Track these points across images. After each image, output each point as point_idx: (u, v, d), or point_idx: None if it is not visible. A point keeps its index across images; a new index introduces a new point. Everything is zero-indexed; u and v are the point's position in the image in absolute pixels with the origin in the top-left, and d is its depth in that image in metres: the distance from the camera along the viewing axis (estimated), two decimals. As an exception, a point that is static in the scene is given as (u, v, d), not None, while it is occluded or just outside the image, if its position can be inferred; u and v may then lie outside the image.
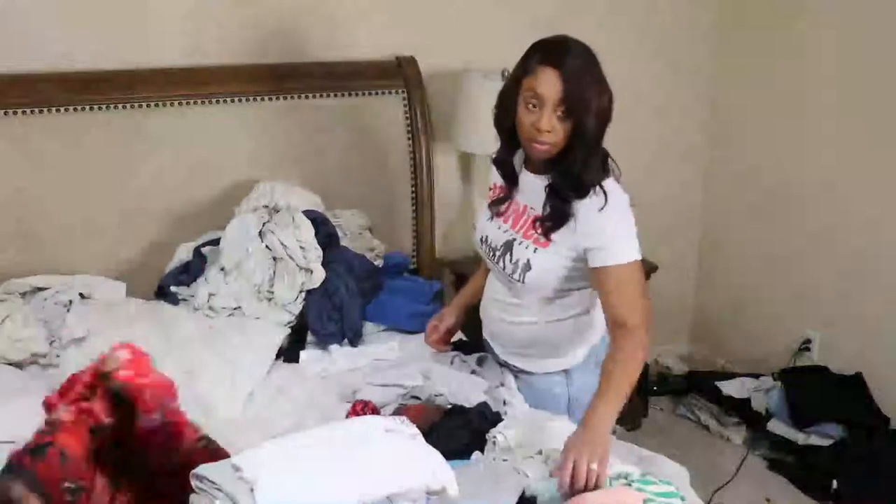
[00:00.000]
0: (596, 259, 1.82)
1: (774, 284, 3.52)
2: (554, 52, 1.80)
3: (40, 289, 2.41)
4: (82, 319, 2.31)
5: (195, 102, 2.72)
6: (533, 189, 1.93)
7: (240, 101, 2.78)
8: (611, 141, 1.92)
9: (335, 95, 2.91)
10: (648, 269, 3.27)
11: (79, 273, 2.54)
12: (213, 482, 1.46)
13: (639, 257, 1.84)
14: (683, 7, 3.51)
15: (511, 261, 1.94)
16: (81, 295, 2.45)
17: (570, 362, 2.03)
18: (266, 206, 2.63)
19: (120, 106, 2.63)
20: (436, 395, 2.00)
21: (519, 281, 1.93)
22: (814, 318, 3.36)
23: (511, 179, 2.01)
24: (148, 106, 2.67)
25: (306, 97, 2.87)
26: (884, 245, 3.07)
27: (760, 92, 3.45)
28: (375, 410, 1.98)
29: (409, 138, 3.00)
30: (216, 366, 2.20)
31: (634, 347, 1.77)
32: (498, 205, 2.03)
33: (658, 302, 3.52)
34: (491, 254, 2.02)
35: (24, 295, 2.39)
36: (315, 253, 2.51)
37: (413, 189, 3.04)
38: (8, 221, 2.54)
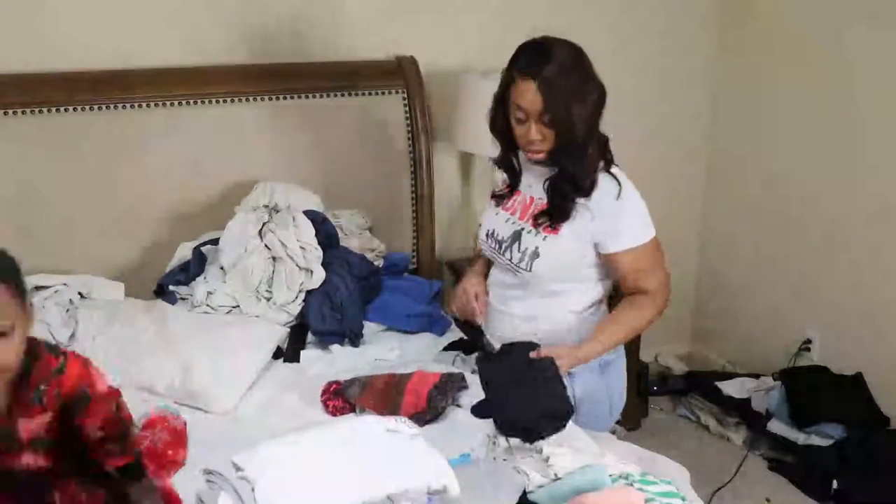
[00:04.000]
0: (613, 244, 1.88)
1: (774, 284, 3.52)
2: (532, 60, 1.81)
3: (39, 288, 2.41)
4: (88, 327, 2.31)
5: (195, 102, 2.72)
6: (538, 179, 1.97)
7: (240, 100, 2.78)
8: (615, 141, 1.93)
9: (335, 95, 2.90)
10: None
11: (78, 273, 2.54)
12: (222, 475, 1.49)
13: (654, 234, 1.92)
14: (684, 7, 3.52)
15: (519, 249, 1.96)
16: (81, 294, 2.45)
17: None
18: (266, 206, 2.63)
19: (120, 106, 2.63)
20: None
21: (526, 269, 1.95)
22: (814, 318, 3.36)
23: (515, 175, 2.04)
24: (148, 106, 2.67)
25: (306, 97, 2.87)
26: (884, 245, 3.07)
27: (761, 92, 3.45)
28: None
29: (409, 138, 3.00)
30: (212, 362, 2.20)
31: (647, 305, 1.90)
32: (503, 198, 2.06)
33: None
34: (497, 247, 2.03)
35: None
36: (315, 253, 2.51)
37: (413, 189, 3.04)
38: (8, 221, 2.54)
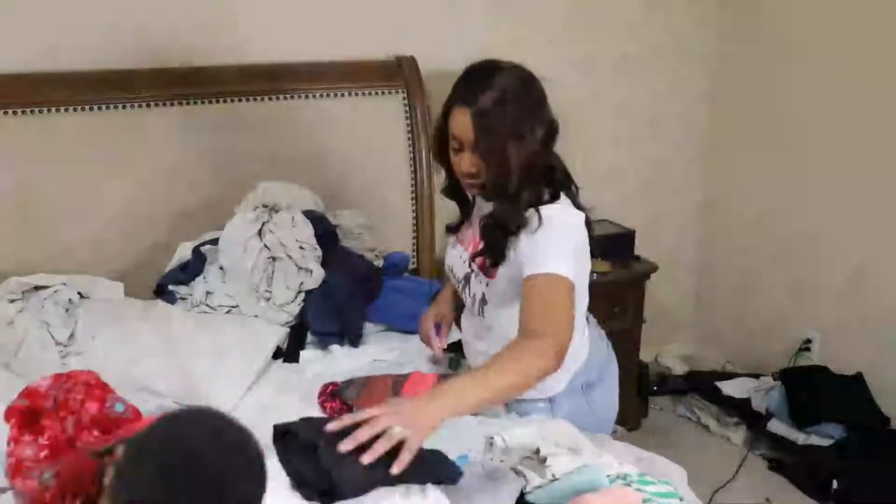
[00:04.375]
0: (525, 269, 1.67)
1: (775, 284, 3.51)
2: (470, 88, 1.69)
3: (39, 288, 2.41)
4: (88, 326, 2.31)
5: (195, 102, 2.73)
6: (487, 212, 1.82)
7: (239, 100, 2.79)
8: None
9: (335, 95, 2.91)
10: (649, 268, 3.28)
11: (78, 273, 2.54)
12: None
13: (568, 276, 1.64)
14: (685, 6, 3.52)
15: (470, 294, 1.88)
16: (81, 294, 2.45)
17: (553, 389, 1.89)
18: (266, 206, 2.63)
19: (120, 106, 2.64)
20: None
21: (480, 315, 1.86)
22: (814, 318, 3.36)
23: (465, 204, 1.92)
24: (148, 105, 2.67)
25: (306, 97, 2.87)
26: (884, 245, 3.07)
27: (761, 93, 3.45)
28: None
29: (409, 138, 3.00)
30: (212, 362, 2.20)
31: (532, 352, 1.55)
32: (454, 231, 1.95)
33: (658, 302, 3.57)
34: (458, 285, 1.96)
35: (23, 294, 2.39)
36: (315, 253, 2.51)
37: (413, 189, 3.04)
38: (7, 221, 2.54)
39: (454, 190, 1.90)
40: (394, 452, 1.35)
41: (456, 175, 1.79)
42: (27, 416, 1.69)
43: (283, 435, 1.44)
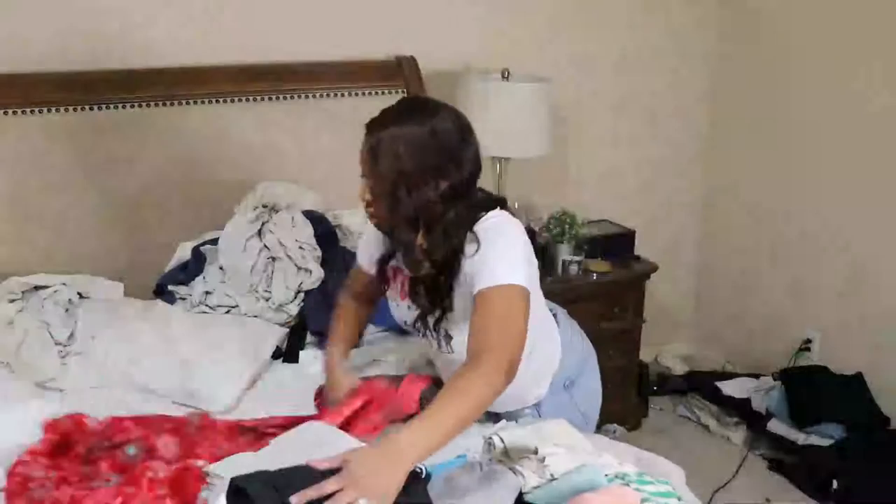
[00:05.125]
0: (474, 286, 1.60)
1: (775, 284, 3.51)
2: (382, 117, 1.66)
3: (38, 287, 2.41)
4: (87, 326, 2.32)
5: (195, 102, 2.73)
6: None
7: (240, 100, 2.79)
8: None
9: (335, 95, 2.91)
10: (649, 269, 3.28)
11: (77, 272, 2.54)
12: (222, 476, 1.50)
13: (519, 283, 1.59)
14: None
15: (434, 337, 1.81)
16: (80, 294, 2.45)
17: (537, 397, 1.92)
18: (266, 206, 2.63)
19: (120, 106, 2.64)
20: None
21: (449, 352, 1.81)
22: (814, 318, 3.36)
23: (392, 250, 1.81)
24: (148, 105, 2.67)
25: (306, 97, 2.87)
26: (884, 245, 3.07)
27: (761, 93, 3.45)
28: None
29: (408, 138, 3.00)
30: (211, 362, 2.20)
31: (479, 381, 1.49)
32: (386, 289, 1.87)
33: (658, 302, 3.57)
34: (419, 334, 1.87)
35: (23, 294, 2.39)
36: (314, 253, 2.52)
37: (413, 189, 3.04)
38: (7, 220, 2.55)
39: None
40: None
41: None
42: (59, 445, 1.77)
43: (238, 492, 1.35)
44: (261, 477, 1.36)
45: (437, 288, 1.70)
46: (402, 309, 1.86)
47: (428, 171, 1.62)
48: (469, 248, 1.65)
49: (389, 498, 1.34)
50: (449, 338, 1.77)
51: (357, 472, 1.34)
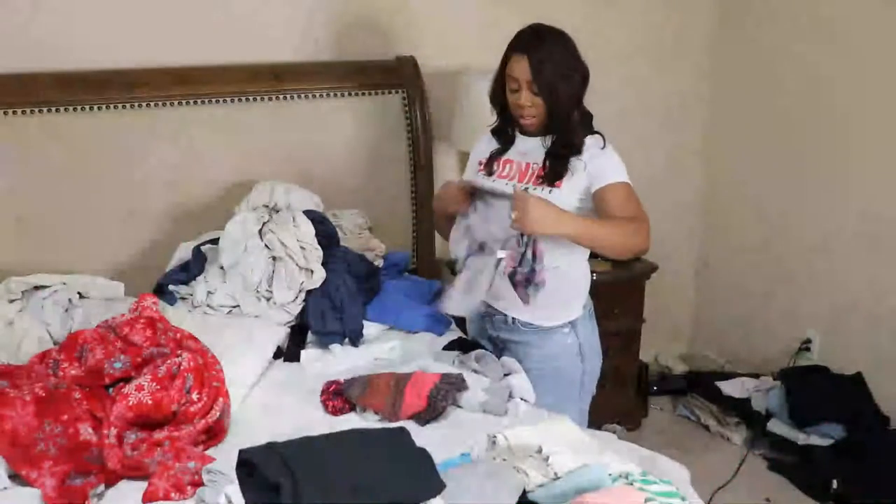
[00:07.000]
0: (602, 181, 2.09)
1: (775, 284, 3.52)
2: (525, 41, 2.12)
3: (38, 287, 2.41)
4: (87, 326, 2.31)
5: (195, 102, 2.73)
6: (533, 149, 2.20)
7: (240, 100, 2.79)
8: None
9: (335, 95, 2.91)
10: (648, 268, 3.28)
11: (78, 272, 2.54)
12: (223, 474, 1.54)
13: (631, 183, 2.12)
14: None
15: (521, 244, 2.07)
16: (80, 294, 2.44)
17: (574, 313, 2.25)
18: (266, 206, 2.63)
19: (120, 106, 2.64)
20: None
21: (524, 264, 2.06)
22: (814, 318, 3.36)
23: (506, 143, 2.26)
24: (148, 106, 2.67)
25: (306, 97, 2.87)
26: (884, 245, 3.07)
27: (761, 93, 3.46)
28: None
29: (409, 138, 3.00)
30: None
31: (642, 232, 2.04)
32: (491, 168, 2.26)
33: (658, 302, 3.56)
34: (501, 246, 2.10)
35: (23, 294, 2.39)
36: (315, 253, 2.51)
37: (413, 189, 3.04)
38: (7, 220, 2.54)
39: (502, 129, 2.27)
40: (365, 487, 1.43)
41: (512, 113, 2.17)
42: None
43: (245, 463, 1.47)
44: (266, 449, 1.50)
45: (566, 156, 2.14)
46: (498, 185, 2.19)
47: (572, 64, 2.11)
48: (596, 141, 2.15)
49: (541, 230, 1.94)
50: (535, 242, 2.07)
51: (532, 212, 1.90)
